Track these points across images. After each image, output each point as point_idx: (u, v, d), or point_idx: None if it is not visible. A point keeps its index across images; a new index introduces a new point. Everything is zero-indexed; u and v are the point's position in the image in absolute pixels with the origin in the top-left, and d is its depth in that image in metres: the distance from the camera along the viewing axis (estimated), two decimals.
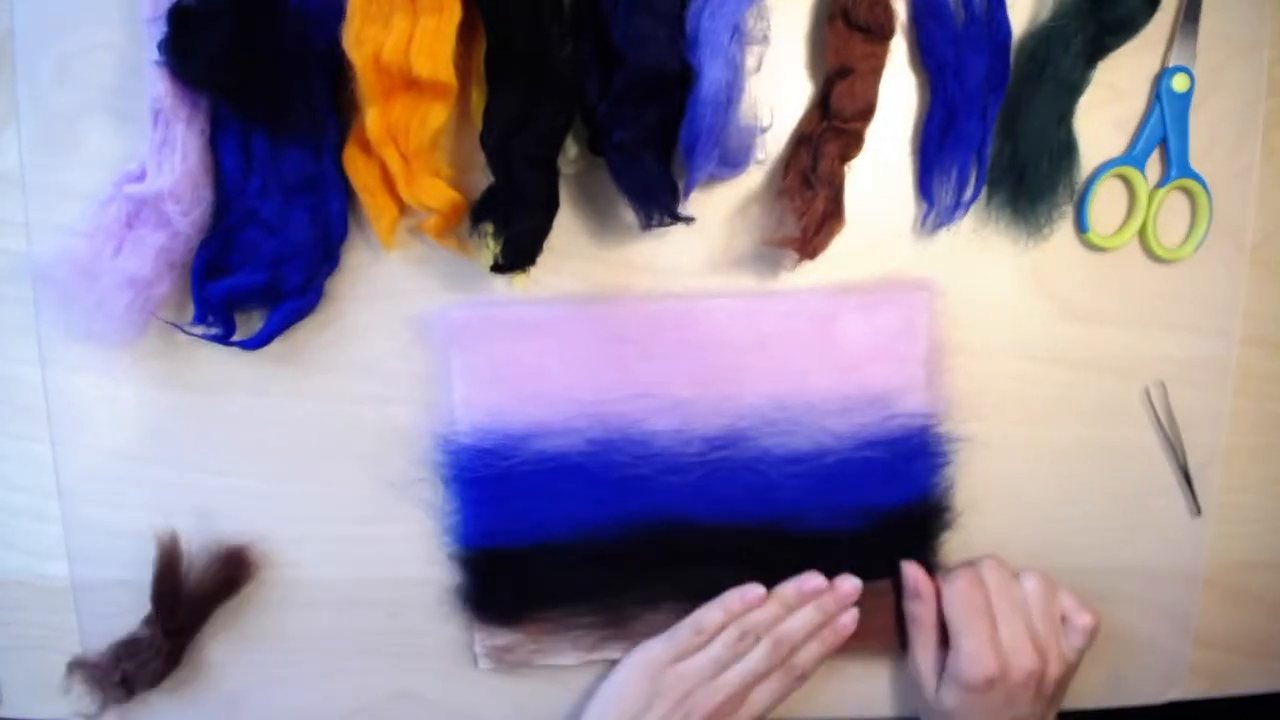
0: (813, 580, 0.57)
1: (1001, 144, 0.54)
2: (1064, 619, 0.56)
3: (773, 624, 0.56)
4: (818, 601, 0.57)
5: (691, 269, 0.56)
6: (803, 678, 0.57)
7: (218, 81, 0.49)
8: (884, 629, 0.59)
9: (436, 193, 0.51)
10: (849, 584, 0.57)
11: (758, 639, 0.56)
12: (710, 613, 0.57)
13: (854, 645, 0.58)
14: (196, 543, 0.58)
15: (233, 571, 0.57)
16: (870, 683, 0.61)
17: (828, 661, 0.58)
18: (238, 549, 0.58)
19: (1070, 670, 0.56)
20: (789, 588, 0.57)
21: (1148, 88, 0.55)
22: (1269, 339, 0.58)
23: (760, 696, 0.56)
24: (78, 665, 0.57)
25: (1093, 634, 0.56)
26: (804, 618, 0.56)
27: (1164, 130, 0.55)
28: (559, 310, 0.56)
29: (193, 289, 0.53)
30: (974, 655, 0.54)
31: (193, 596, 0.57)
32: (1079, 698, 0.62)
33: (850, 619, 0.57)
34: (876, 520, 0.57)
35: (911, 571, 0.57)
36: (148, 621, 0.57)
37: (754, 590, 0.57)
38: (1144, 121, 0.55)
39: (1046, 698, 0.55)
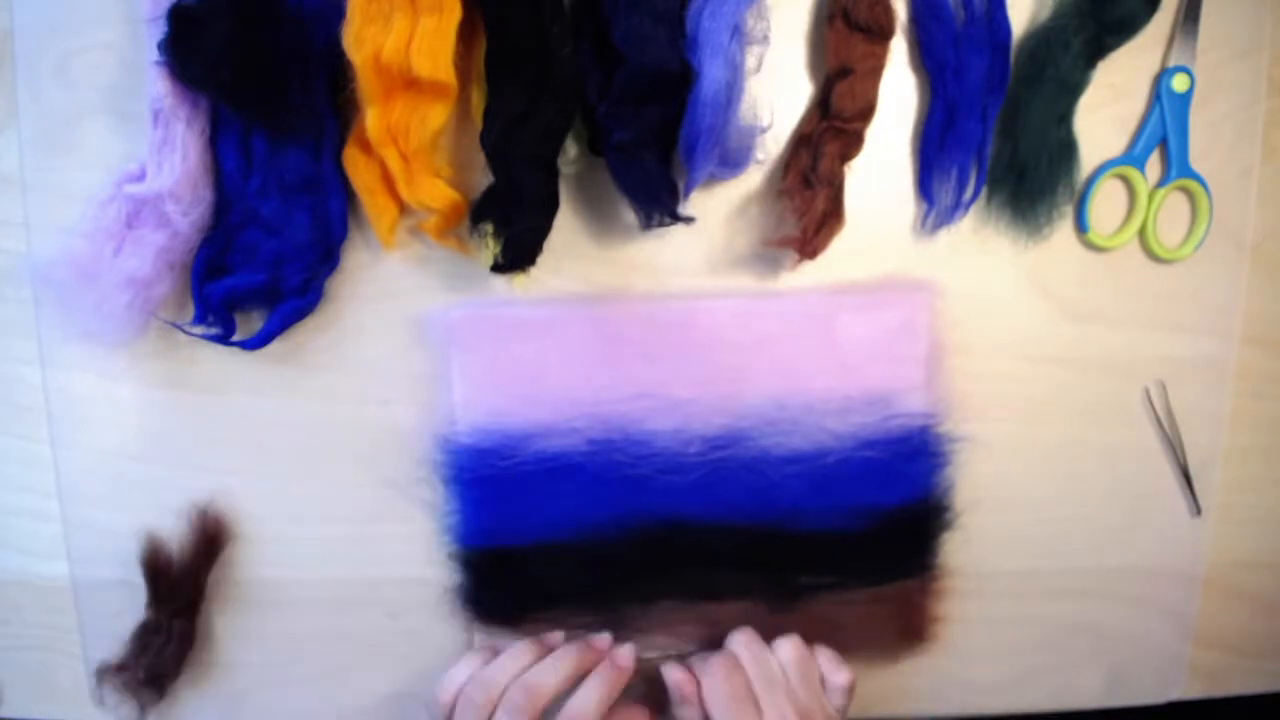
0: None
1: (1001, 144, 0.54)
2: (822, 680, 0.55)
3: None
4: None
5: (691, 269, 0.56)
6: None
7: (217, 81, 0.49)
8: None
9: (436, 193, 0.51)
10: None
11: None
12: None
13: None
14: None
15: (210, 534, 0.58)
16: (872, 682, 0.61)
17: None
18: (207, 514, 0.58)
19: None
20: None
21: (1148, 88, 0.55)
22: (1269, 339, 0.58)
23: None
24: (104, 672, 0.57)
25: (851, 691, 0.55)
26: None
27: (1164, 130, 0.55)
28: (559, 310, 0.56)
29: (193, 289, 0.53)
30: None
31: (183, 568, 0.57)
32: (1079, 698, 0.62)
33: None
34: (876, 520, 0.57)
35: (672, 676, 0.54)
36: (149, 606, 0.57)
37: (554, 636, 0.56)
38: (1144, 121, 0.55)
39: None
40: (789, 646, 0.55)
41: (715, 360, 0.56)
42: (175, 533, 0.58)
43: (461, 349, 0.56)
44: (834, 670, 0.55)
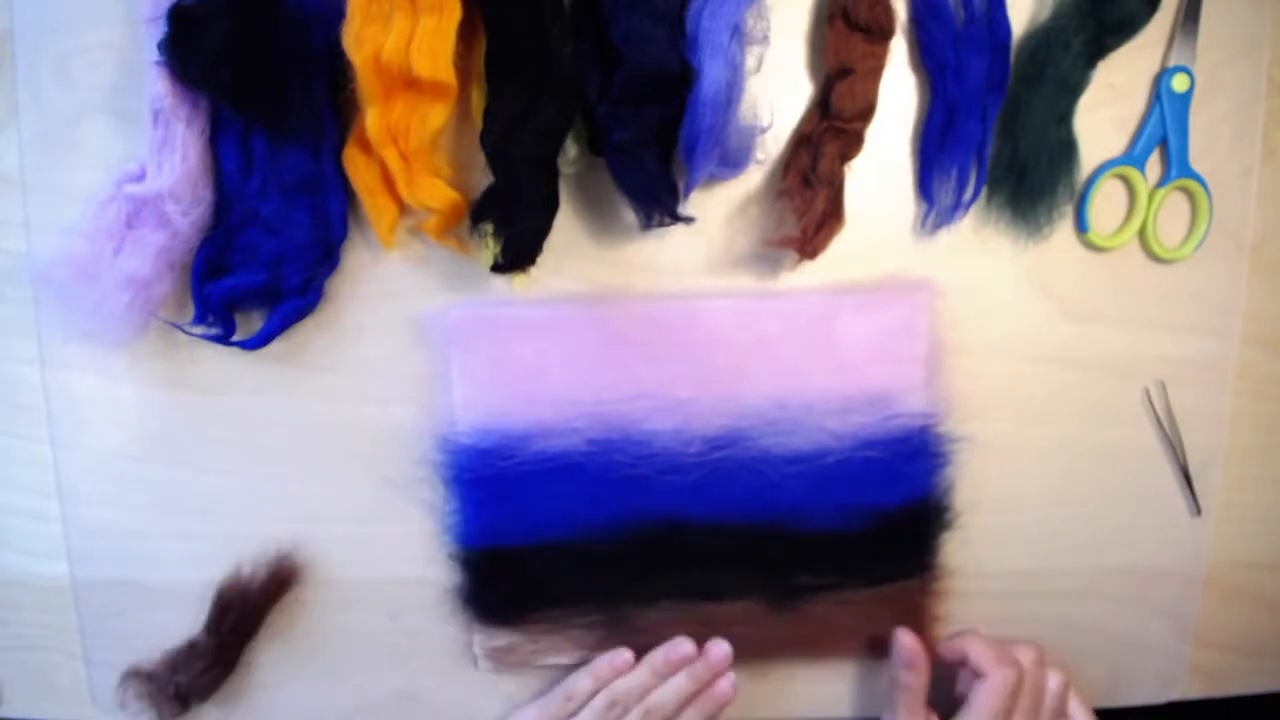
0: (681, 647, 0.56)
1: (1001, 144, 0.54)
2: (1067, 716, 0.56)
3: (643, 692, 0.55)
4: (689, 669, 0.56)
5: (691, 269, 0.56)
6: None
7: (218, 81, 0.49)
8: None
9: (436, 193, 0.51)
10: (719, 650, 0.56)
11: (627, 709, 0.55)
12: (580, 680, 0.56)
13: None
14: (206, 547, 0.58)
15: (282, 576, 0.58)
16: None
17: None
18: (285, 554, 0.58)
19: None
20: (658, 655, 0.56)
21: (1148, 88, 0.55)
22: (1269, 339, 0.58)
23: None
24: (132, 676, 0.57)
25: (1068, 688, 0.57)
26: (675, 686, 0.55)
27: (1164, 130, 0.55)
28: (559, 310, 0.56)
29: (193, 289, 0.53)
30: None
31: (250, 607, 0.57)
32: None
33: (728, 685, 0.56)
34: (876, 520, 0.57)
35: (907, 641, 0.56)
36: (205, 631, 0.57)
37: (621, 656, 0.56)
38: (1144, 121, 0.55)
39: None
40: (1058, 680, 0.56)
41: (715, 360, 0.56)
42: (253, 569, 0.58)
43: (461, 349, 0.56)
44: (1079, 712, 0.57)
